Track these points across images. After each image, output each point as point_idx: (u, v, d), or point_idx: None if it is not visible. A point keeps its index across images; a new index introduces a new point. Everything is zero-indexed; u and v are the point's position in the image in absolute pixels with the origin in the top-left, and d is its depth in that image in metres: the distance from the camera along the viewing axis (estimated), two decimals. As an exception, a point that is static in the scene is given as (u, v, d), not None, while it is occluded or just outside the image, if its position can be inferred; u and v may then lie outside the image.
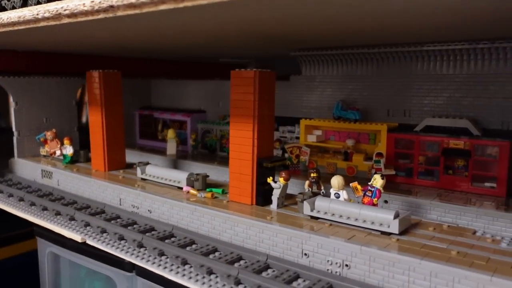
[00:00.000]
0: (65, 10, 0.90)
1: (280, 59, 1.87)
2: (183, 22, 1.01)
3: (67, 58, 1.87)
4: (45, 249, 1.76)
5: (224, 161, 1.74)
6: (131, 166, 1.64)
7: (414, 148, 1.36)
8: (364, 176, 1.45)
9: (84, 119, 2.60)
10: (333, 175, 1.47)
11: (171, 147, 1.91)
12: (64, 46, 1.67)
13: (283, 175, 1.12)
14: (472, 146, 1.26)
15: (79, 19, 0.89)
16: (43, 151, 1.79)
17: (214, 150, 1.92)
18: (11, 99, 1.75)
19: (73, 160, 1.67)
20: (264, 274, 0.93)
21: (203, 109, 2.08)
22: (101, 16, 0.85)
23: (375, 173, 1.32)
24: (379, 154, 1.35)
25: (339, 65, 1.61)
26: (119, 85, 1.55)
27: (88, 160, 1.70)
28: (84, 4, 0.83)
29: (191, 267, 0.98)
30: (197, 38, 1.35)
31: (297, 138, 1.69)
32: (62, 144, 1.68)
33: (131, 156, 1.73)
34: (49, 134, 1.69)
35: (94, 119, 1.54)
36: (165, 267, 0.97)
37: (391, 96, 1.49)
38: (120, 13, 0.82)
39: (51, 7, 0.92)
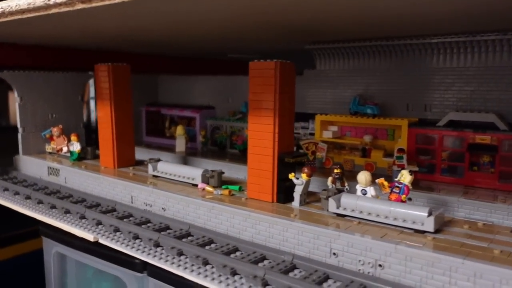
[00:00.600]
0: (80, -6, 0.85)
1: (290, 54, 1.82)
2: (201, 9, 0.96)
3: (72, 52, 1.82)
4: (51, 249, 1.71)
5: (235, 158, 1.69)
6: (140, 163, 1.59)
7: (436, 144, 1.32)
8: (383, 172, 1.40)
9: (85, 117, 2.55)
10: (350, 172, 1.44)
11: (180, 144, 1.86)
12: (70, 39, 1.61)
13: (306, 171, 1.07)
14: (499, 141, 1.21)
15: (94, 4, 0.84)
16: (49, 147, 1.73)
17: (224, 147, 1.87)
18: (15, 95, 1.69)
19: (80, 157, 1.61)
20: (291, 274, 0.88)
21: (212, 105, 2.03)
22: (118, 0, 0.80)
23: (400, 169, 1.28)
24: (401, 150, 1.30)
25: (355, 58, 1.56)
26: (128, 79, 1.50)
27: (95, 157, 1.65)
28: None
29: (212, 267, 0.92)
30: (213, 30, 1.30)
31: (311, 134, 1.64)
32: (69, 140, 1.62)
33: (138, 153, 1.68)
34: (55, 130, 1.64)
35: (103, 114, 1.49)
36: (186, 268, 0.92)
37: (411, 90, 1.44)
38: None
39: (65, -8, 0.87)
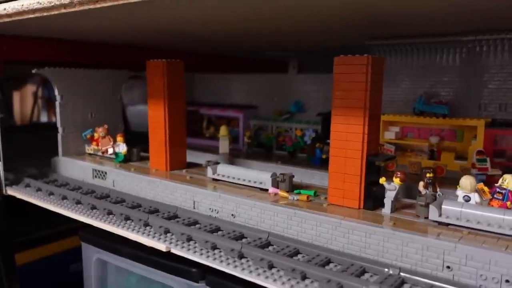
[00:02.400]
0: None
1: (327, 52, 1.75)
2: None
3: (113, 49, 1.74)
4: (92, 256, 1.63)
5: (285, 160, 1.61)
6: (190, 165, 1.51)
7: (518, 146, 1.24)
8: (455, 176, 1.32)
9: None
10: (417, 175, 1.36)
11: (224, 145, 1.78)
12: (112, 35, 1.53)
13: (400, 175, 0.99)
14: None
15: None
16: (89, 149, 1.65)
17: (270, 148, 1.79)
18: (55, 93, 1.60)
19: (126, 159, 1.53)
20: (403, 290, 0.80)
21: (255, 104, 1.95)
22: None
23: (481, 173, 1.20)
24: (481, 152, 1.22)
25: (419, 55, 1.48)
26: (182, 77, 1.41)
27: (141, 158, 1.57)
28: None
29: (312, 281, 0.84)
30: (267, 26, 1.22)
31: (369, 135, 1.56)
32: (114, 141, 1.53)
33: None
34: (100, 131, 1.55)
35: (155, 114, 1.40)
36: (283, 283, 0.84)
37: (483, 89, 1.37)
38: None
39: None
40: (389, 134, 1.46)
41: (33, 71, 1.51)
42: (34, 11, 1.06)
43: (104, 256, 1.59)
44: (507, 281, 0.77)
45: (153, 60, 1.39)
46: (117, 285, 1.67)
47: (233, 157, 1.69)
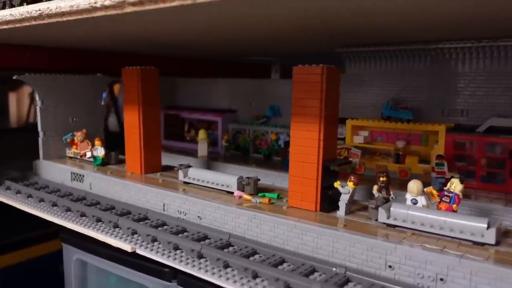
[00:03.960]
0: (129, -3, 0.81)
1: (309, 57, 1.79)
2: (233, 13, 0.93)
3: (93, 55, 1.79)
4: (72, 256, 1.67)
5: (260, 163, 1.66)
6: (165, 168, 1.56)
7: (476, 150, 1.29)
8: (418, 179, 1.37)
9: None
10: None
11: (202, 148, 1.83)
12: (93, 42, 1.58)
13: (353, 179, 1.04)
14: (544, 148, 1.18)
15: (147, 8, 0.81)
16: (70, 152, 1.70)
17: (247, 152, 1.84)
18: (36, 98, 1.65)
19: (104, 162, 1.58)
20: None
21: (233, 108, 2.00)
22: (176, 3, 0.76)
23: (440, 177, 1.25)
24: (440, 157, 1.27)
25: (387, 62, 1.53)
26: (157, 83, 1.46)
27: (119, 162, 1.62)
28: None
29: (263, 280, 0.89)
30: (241, 32, 1.27)
31: (341, 139, 1.61)
32: (93, 145, 1.58)
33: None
34: (79, 135, 1.60)
35: (131, 118, 1.45)
36: (235, 281, 0.89)
37: (446, 95, 1.41)
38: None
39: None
40: (358, 139, 1.51)
41: (14, 77, 1.56)
42: (7, 22, 1.10)
43: (84, 257, 1.63)
44: (441, 279, 0.81)
45: (128, 68, 1.44)
46: (97, 285, 1.71)
47: (211, 160, 1.74)
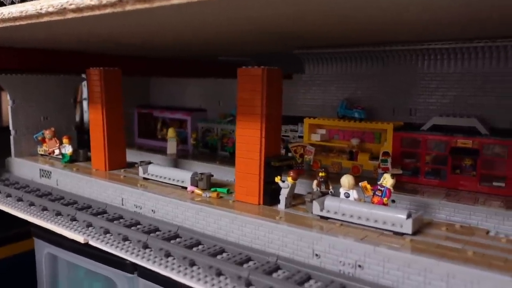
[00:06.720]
0: (70, 4, 0.87)
1: (281, 57, 1.85)
2: (192, 17, 0.99)
3: (64, 55, 1.84)
4: (43, 250, 1.73)
5: (225, 161, 1.72)
6: (131, 165, 1.62)
7: (421, 147, 1.35)
8: (370, 175, 1.43)
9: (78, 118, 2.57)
10: (338, 174, 1.47)
11: (172, 146, 1.89)
12: (62, 43, 1.63)
13: (292, 174, 1.10)
14: (480, 145, 1.25)
15: (85, 14, 0.87)
16: (41, 150, 1.75)
17: (215, 149, 1.90)
18: (8, 97, 1.71)
19: (72, 160, 1.63)
20: (274, 275, 0.91)
21: (203, 107, 2.06)
22: (108, 10, 0.83)
23: (384, 172, 1.31)
24: (386, 154, 1.34)
25: (343, 63, 1.59)
26: (119, 83, 1.52)
27: (87, 159, 1.67)
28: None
29: (199, 268, 0.95)
30: (202, 34, 1.33)
31: (300, 137, 1.67)
32: (61, 143, 1.64)
33: (130, 155, 1.70)
34: (47, 133, 1.66)
35: (95, 117, 1.51)
36: (173, 269, 0.95)
37: (397, 95, 1.48)
38: (129, 7, 0.80)
39: (56, 1, 0.89)
40: (315, 136, 1.57)
41: (-15, 77, 1.62)
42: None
43: (54, 251, 1.69)
44: (359, 266, 0.88)
45: (92, 68, 1.50)
46: (68, 279, 1.77)
47: (179, 158, 1.80)
